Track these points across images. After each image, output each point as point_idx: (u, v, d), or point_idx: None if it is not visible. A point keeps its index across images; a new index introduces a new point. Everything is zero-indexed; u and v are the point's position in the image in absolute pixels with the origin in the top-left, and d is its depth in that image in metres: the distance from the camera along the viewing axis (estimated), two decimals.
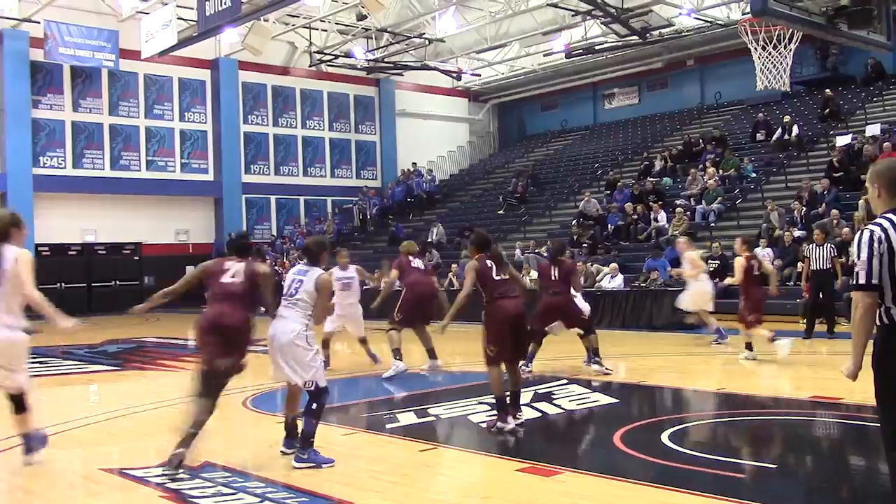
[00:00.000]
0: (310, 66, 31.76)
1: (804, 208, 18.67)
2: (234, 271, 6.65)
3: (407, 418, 8.01)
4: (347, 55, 30.89)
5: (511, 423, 7.23)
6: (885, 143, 19.86)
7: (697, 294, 13.49)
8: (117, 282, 28.57)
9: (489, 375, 7.40)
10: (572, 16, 26.50)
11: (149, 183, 29.24)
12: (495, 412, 7.42)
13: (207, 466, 6.37)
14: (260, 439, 7.54)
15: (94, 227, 28.36)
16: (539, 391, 9.13)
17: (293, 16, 28.80)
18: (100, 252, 28.59)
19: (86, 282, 27.96)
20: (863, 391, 7.37)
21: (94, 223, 28.33)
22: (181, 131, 30.32)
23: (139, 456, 6.98)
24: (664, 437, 6.74)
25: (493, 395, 7.47)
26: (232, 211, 30.95)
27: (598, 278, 18.64)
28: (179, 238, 30.09)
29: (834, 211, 17.53)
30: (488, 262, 7.59)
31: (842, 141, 21.32)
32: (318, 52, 30.78)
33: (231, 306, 6.57)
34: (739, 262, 11.44)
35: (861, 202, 17.82)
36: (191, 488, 5.81)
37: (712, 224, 20.50)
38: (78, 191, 27.67)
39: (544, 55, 32.18)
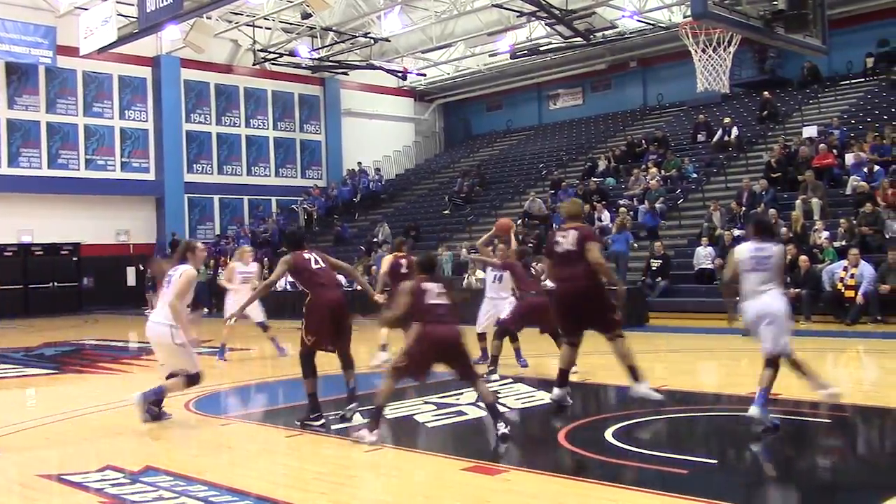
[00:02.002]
0: (254, 65, 31.45)
1: (743, 208, 19.04)
2: (315, 259, 7.89)
3: (353, 419, 7.96)
4: (292, 54, 30.65)
5: (373, 437, 6.88)
6: (821, 145, 20.38)
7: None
8: (55, 283, 27.95)
9: (385, 385, 7.09)
10: (517, 17, 26.68)
11: (88, 182, 28.63)
12: (368, 419, 7.10)
13: (149, 471, 6.26)
14: (203, 442, 7.43)
15: (30, 228, 27.66)
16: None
17: (236, 13, 28.48)
18: (37, 253, 27.92)
19: (22, 283, 27.28)
20: (799, 387, 7.55)
21: (30, 223, 27.63)
22: (121, 130, 29.78)
23: (78, 461, 6.83)
24: (608, 435, 6.81)
25: (375, 405, 7.05)
26: (174, 211, 30.50)
27: (542, 278, 18.73)
28: (120, 238, 29.52)
29: (772, 210, 17.91)
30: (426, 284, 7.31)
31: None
32: (261, 51, 30.50)
33: (340, 291, 7.98)
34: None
35: (798, 202, 18.26)
36: (131, 493, 5.69)
37: (643, 233, 20.74)
38: (13, 190, 26.96)
39: (489, 56, 32.34)
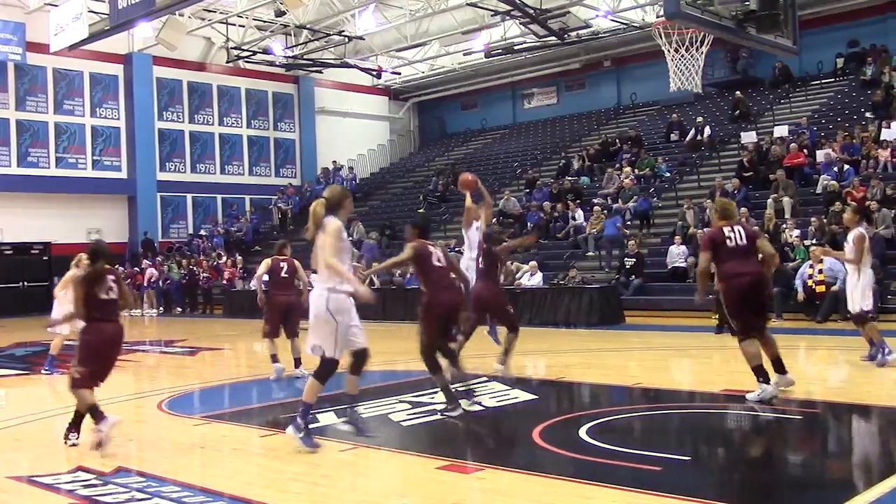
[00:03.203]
0: (227, 63, 31.27)
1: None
2: (438, 256, 7.76)
3: (327, 418, 7.94)
4: (266, 52, 30.50)
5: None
6: (792, 144, 20.60)
7: None
8: (25, 283, 27.62)
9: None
10: (492, 16, 26.71)
11: (59, 181, 28.34)
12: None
13: (121, 472, 6.20)
14: (176, 442, 7.37)
15: None
16: (459, 388, 9.16)
17: (209, 11, 28.30)
18: (6, 252, 27.62)
19: None
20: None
21: None
22: (93, 128, 29.50)
23: (48, 462, 6.75)
24: (582, 433, 6.83)
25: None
26: (146, 209, 30.27)
27: (517, 276, 18.81)
28: (91, 237, 29.12)
29: (744, 209, 18.04)
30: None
31: (747, 138, 22.01)
32: (235, 48, 30.32)
33: (457, 292, 7.87)
34: None
35: (769, 200, 18.43)
36: (103, 494, 5.64)
37: (628, 222, 20.92)
38: None
39: (464, 54, 32.36)
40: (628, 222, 20.82)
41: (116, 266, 6.78)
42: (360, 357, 6.86)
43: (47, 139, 28.45)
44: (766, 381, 7.77)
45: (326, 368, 6.65)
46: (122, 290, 7.30)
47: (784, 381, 7.97)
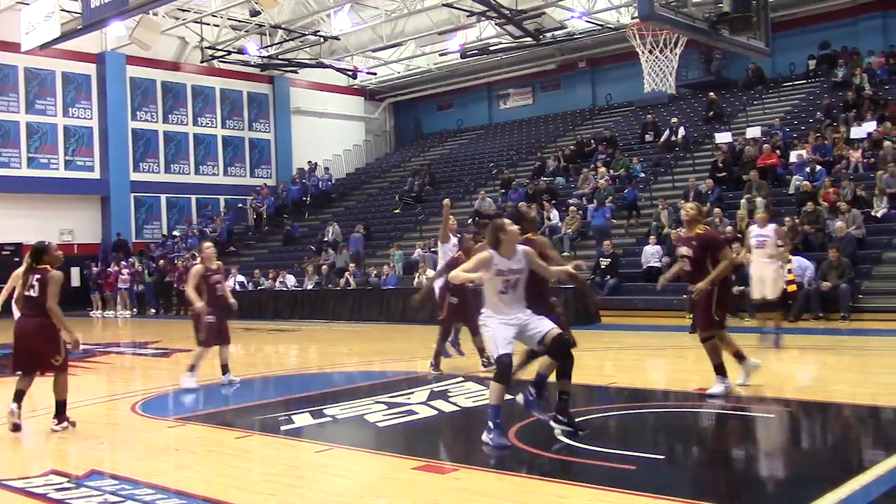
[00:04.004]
0: (201, 62, 31.08)
1: None
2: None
3: (302, 419, 7.92)
4: (240, 51, 30.35)
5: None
6: (765, 145, 20.79)
7: None
8: None
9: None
10: (467, 16, 26.74)
11: (30, 181, 28.05)
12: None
13: (94, 475, 6.15)
14: (150, 444, 7.32)
15: None
16: (435, 389, 9.18)
17: (183, 10, 28.12)
18: None
19: None
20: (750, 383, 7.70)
21: None
22: (65, 127, 29.23)
23: (20, 466, 6.69)
24: (557, 432, 6.85)
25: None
26: (120, 210, 30.03)
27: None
28: (64, 238, 28.88)
29: (717, 209, 18.20)
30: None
31: (721, 139, 22.19)
32: (209, 48, 30.14)
33: None
34: None
35: (743, 201, 18.58)
36: (76, 498, 5.59)
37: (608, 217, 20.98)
38: None
39: (440, 55, 32.38)
40: (608, 217, 20.79)
41: (94, 265, 6.96)
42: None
43: (19, 139, 28.15)
44: (726, 375, 8.20)
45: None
46: (43, 290, 7.63)
47: (750, 366, 8.42)
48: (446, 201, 11.67)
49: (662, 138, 24.63)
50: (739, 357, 8.38)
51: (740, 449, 6.78)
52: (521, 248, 6.57)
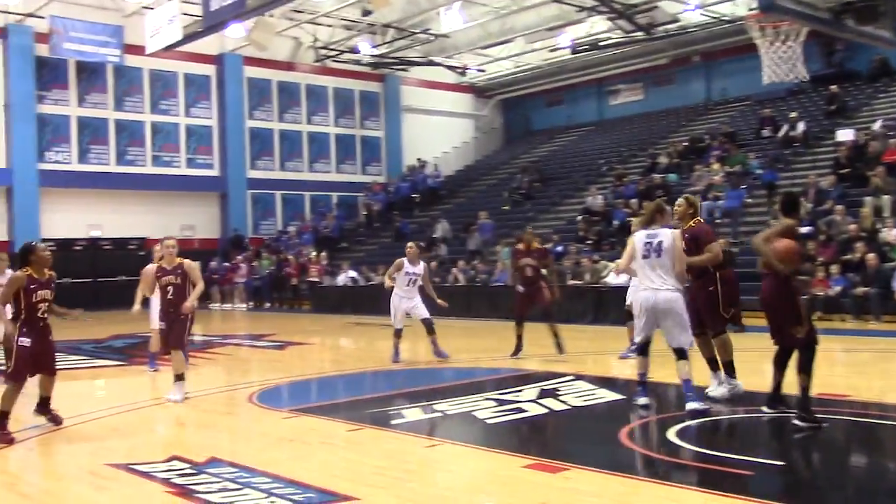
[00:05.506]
0: (315, 62, 31.74)
1: (811, 205, 18.61)
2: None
3: (412, 414, 8.00)
4: (352, 50, 30.86)
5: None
6: (892, 140, 19.81)
7: None
8: (123, 277, 28.58)
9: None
10: (577, 11, 26.46)
11: (154, 178, 29.25)
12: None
13: (213, 462, 6.37)
14: (266, 434, 7.53)
15: (99, 223, 28.38)
16: (545, 387, 9.13)
17: (298, 11, 28.75)
18: (105, 247, 28.61)
19: (92, 276, 27.95)
20: (870, 389, 7.34)
21: (99, 218, 28.35)
22: (186, 126, 30.33)
23: (145, 451, 6.99)
24: (670, 434, 6.71)
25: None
26: (237, 206, 30.97)
27: (602, 274, 18.61)
28: (184, 233, 29.96)
29: (839, 207, 17.48)
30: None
31: (843, 134, 21.26)
32: (322, 48, 30.75)
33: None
34: None
35: (868, 199, 17.78)
36: (196, 483, 5.81)
37: (717, 220, 20.43)
38: (83, 186, 27.70)
39: (549, 51, 32.12)
40: (717, 220, 20.31)
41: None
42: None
43: (144, 138, 29.37)
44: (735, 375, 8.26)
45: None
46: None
47: (721, 380, 8.35)
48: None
49: (781, 133, 23.80)
50: (713, 365, 8.35)
51: (865, 458, 6.49)
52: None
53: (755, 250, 7.50)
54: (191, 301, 9.00)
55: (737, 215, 19.60)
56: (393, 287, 12.18)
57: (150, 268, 9.42)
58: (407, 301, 12.04)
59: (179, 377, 9.06)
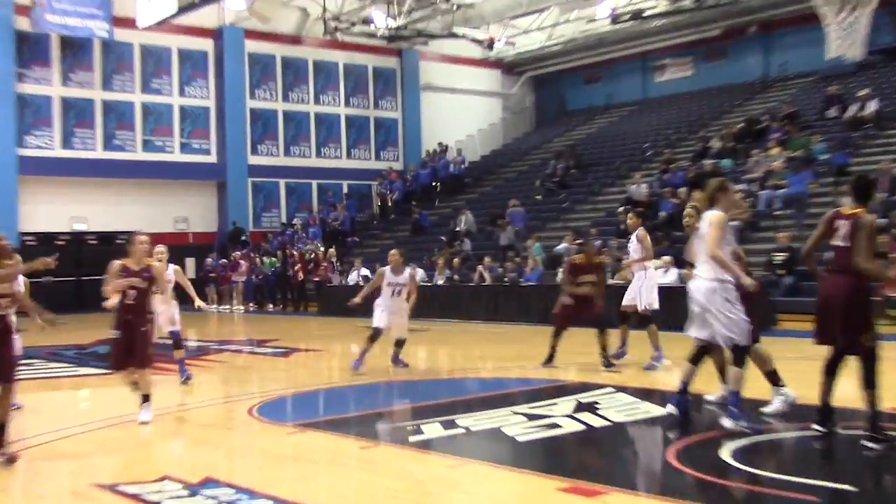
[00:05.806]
0: (324, 35, 31.72)
1: (884, 194, 18.38)
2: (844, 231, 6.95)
3: (432, 430, 7.96)
4: (366, 22, 30.83)
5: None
6: None
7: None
8: None
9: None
10: None
11: (145, 165, 29.40)
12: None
13: (209, 482, 6.35)
14: (267, 452, 7.52)
15: (84, 215, 28.54)
16: (582, 400, 9.06)
17: None
18: (91, 242, 28.72)
19: (75, 275, 28.08)
20: None
21: (84, 210, 28.52)
22: (181, 108, 30.47)
23: (134, 470, 6.99)
24: (724, 454, 6.63)
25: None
26: (236, 196, 31.07)
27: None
28: (178, 227, 30.15)
29: None
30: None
31: None
32: (332, 19, 30.75)
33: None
34: None
35: None
36: None
37: (777, 212, 20.27)
38: (67, 174, 27.90)
39: (587, 22, 32.00)
40: (776, 212, 20.16)
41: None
42: (741, 351, 7.59)
43: (133, 121, 29.51)
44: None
45: (742, 354, 7.56)
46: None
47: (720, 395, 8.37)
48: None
49: (849, 113, 23.57)
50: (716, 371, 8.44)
51: None
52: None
53: (865, 275, 6.91)
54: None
55: (802, 204, 19.36)
56: (360, 302, 12.27)
57: (116, 264, 8.87)
58: (390, 315, 11.88)
59: (147, 398, 8.69)
